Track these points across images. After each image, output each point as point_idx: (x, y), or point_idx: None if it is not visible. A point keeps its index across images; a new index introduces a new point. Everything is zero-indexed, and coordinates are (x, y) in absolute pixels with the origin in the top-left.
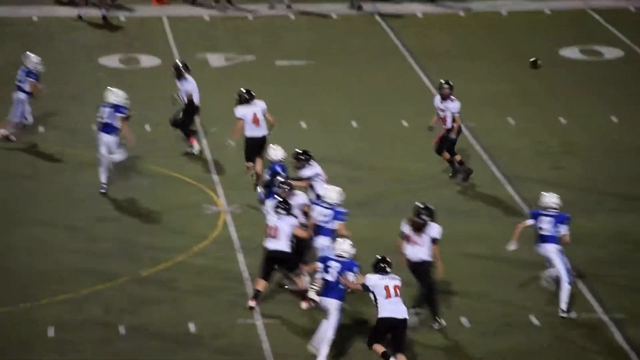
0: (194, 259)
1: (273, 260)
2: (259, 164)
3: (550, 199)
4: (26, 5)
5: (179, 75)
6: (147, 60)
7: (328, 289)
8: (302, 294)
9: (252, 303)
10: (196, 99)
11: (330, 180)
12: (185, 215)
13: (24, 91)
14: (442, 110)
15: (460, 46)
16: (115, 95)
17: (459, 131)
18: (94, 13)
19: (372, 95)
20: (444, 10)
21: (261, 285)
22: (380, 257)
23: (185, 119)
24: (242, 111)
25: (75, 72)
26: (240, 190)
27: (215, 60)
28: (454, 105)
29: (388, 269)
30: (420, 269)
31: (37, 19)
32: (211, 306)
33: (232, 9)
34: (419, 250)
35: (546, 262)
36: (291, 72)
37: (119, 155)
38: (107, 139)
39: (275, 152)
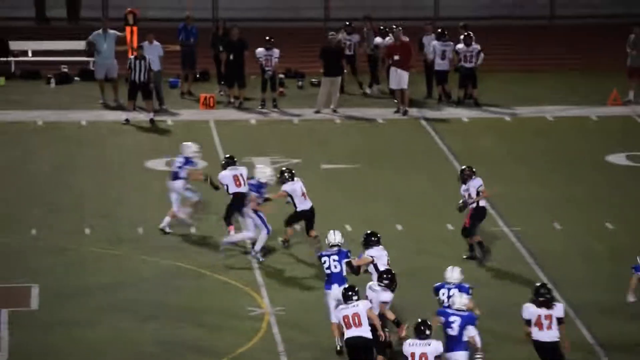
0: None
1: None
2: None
3: None
4: (75, 110)
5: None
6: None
7: (454, 343)
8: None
9: None
10: (232, 189)
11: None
12: (229, 316)
13: (179, 178)
14: (466, 191)
15: (505, 150)
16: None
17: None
18: (142, 117)
19: (417, 199)
20: (490, 115)
21: None
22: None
23: (229, 210)
24: (288, 187)
25: (122, 175)
26: (284, 291)
27: (262, 163)
28: (475, 183)
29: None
30: (555, 349)
31: (86, 123)
32: None
33: (279, 112)
34: (549, 332)
35: None
36: (336, 175)
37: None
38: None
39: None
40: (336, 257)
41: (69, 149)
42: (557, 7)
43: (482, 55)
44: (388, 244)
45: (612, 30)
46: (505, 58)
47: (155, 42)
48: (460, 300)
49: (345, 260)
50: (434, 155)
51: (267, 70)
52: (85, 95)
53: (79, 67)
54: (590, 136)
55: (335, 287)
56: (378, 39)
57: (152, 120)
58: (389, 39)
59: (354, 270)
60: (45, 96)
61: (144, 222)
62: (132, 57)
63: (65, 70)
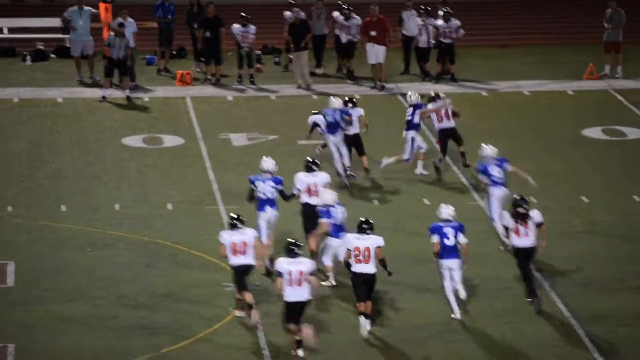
0: (215, 337)
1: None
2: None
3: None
4: (51, 87)
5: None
6: (170, 140)
7: (450, 252)
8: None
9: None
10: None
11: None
12: (206, 292)
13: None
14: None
15: (482, 125)
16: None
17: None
18: (118, 94)
19: (394, 174)
20: (467, 90)
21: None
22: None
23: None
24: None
25: (99, 152)
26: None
27: (238, 139)
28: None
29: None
30: (531, 254)
31: (62, 100)
32: None
33: (256, 89)
34: (527, 239)
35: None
36: (313, 151)
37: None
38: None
39: (266, 162)
40: (272, 183)
41: (45, 126)
42: None
43: (461, 31)
44: (360, 208)
45: (588, 4)
46: (482, 33)
47: (130, 19)
48: (448, 211)
49: (280, 187)
50: None
51: (244, 46)
52: (61, 73)
53: (55, 44)
54: (567, 110)
55: (268, 208)
56: (337, 15)
57: (128, 98)
58: (355, 20)
59: (286, 197)
60: (21, 73)
61: (121, 199)
62: (111, 34)
63: (41, 47)
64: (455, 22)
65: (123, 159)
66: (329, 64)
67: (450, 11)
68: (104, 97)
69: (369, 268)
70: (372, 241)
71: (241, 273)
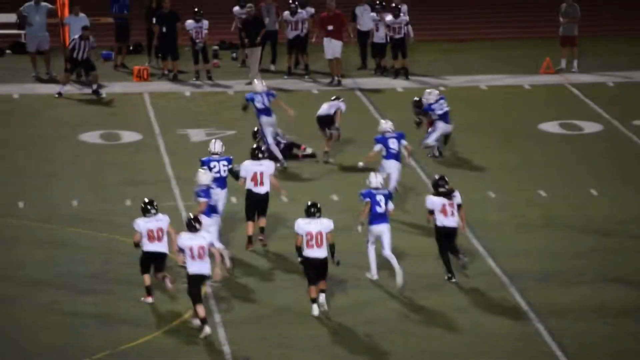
0: (175, 332)
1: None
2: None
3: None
4: (7, 83)
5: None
6: (128, 136)
7: (380, 217)
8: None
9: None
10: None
11: None
12: (165, 288)
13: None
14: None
15: None
16: None
17: None
18: (75, 90)
19: (352, 169)
20: (424, 85)
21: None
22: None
23: None
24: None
25: (56, 149)
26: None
27: (197, 135)
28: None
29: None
30: (452, 234)
31: (18, 97)
32: None
33: (213, 84)
34: (453, 218)
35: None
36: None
37: None
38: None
39: (216, 145)
40: (225, 162)
41: (1, 122)
42: None
43: (410, 26)
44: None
45: None
46: (439, 28)
47: (82, 14)
48: (376, 180)
49: (230, 166)
50: (367, 126)
51: (198, 42)
52: (17, 69)
53: (11, 40)
54: (523, 105)
55: (218, 189)
56: (286, 14)
57: (97, 92)
58: (301, 15)
59: (236, 176)
60: None
61: (79, 195)
62: (77, 37)
63: None
64: (405, 17)
65: (80, 155)
66: (281, 60)
67: (400, 6)
68: (59, 94)
69: (321, 252)
70: (324, 225)
71: (152, 260)
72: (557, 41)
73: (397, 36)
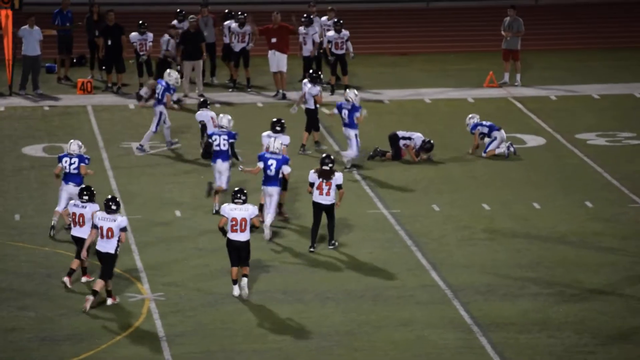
0: (117, 348)
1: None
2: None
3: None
4: None
5: None
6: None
7: (271, 180)
8: None
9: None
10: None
11: None
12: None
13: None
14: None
15: (384, 133)
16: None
17: None
18: (17, 103)
19: (293, 181)
20: (369, 97)
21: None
22: None
23: None
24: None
25: None
26: (164, 277)
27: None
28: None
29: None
30: (330, 210)
31: None
32: None
33: None
34: (328, 197)
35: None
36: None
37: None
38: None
39: (223, 119)
40: (225, 137)
41: None
42: None
43: (349, 43)
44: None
45: (487, 12)
46: (383, 41)
47: (36, 27)
48: (275, 144)
49: (232, 141)
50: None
51: (142, 54)
52: None
53: None
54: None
55: (219, 161)
56: (234, 26)
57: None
58: (247, 28)
59: (234, 152)
60: None
61: (22, 209)
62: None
63: None
64: (346, 32)
65: (23, 168)
66: (221, 72)
67: (341, 21)
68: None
69: (244, 236)
70: (249, 212)
71: (78, 243)
72: (500, 55)
73: (339, 51)
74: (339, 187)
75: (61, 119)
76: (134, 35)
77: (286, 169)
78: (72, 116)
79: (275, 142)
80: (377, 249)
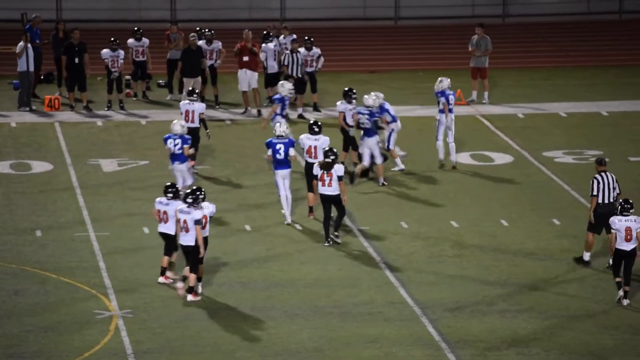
0: None
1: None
2: None
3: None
4: None
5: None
6: (39, 166)
7: (281, 164)
8: None
9: None
10: None
11: None
12: (76, 320)
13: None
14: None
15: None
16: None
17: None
18: None
19: (262, 198)
20: (336, 115)
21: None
22: None
23: None
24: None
25: None
26: (132, 293)
27: (109, 165)
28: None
29: None
30: (332, 201)
31: None
32: None
33: (126, 114)
34: (330, 188)
35: None
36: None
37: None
38: (180, 167)
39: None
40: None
41: None
42: (402, 9)
43: (322, 59)
44: (237, 243)
45: (455, 30)
46: (351, 59)
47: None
48: (281, 129)
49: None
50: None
51: (113, 71)
52: None
53: None
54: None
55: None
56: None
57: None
58: (216, 45)
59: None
60: None
61: None
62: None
63: None
64: (317, 50)
65: None
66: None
67: (311, 39)
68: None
69: (190, 240)
70: (192, 215)
71: (165, 239)
72: (468, 72)
73: (309, 69)
74: (339, 178)
75: (28, 135)
76: (105, 52)
77: (291, 151)
78: (39, 133)
79: (282, 127)
80: (346, 266)
